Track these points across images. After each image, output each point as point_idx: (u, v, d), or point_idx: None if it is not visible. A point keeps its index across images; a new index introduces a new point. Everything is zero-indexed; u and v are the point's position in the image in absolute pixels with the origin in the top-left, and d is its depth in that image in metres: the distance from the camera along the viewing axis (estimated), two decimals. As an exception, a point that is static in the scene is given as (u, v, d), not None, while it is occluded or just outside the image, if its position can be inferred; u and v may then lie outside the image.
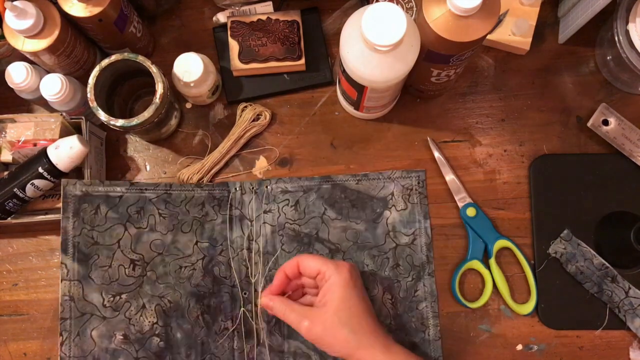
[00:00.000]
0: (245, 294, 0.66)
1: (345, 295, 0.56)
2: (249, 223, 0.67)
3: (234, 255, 0.66)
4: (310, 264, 0.59)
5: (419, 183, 0.68)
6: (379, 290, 0.66)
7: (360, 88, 0.60)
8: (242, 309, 0.65)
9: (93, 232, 0.64)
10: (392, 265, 0.66)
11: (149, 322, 0.64)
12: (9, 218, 0.66)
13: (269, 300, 0.59)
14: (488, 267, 0.66)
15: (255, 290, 0.66)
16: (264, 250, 0.67)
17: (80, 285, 0.63)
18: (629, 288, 0.64)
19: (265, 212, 0.68)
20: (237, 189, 0.68)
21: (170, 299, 0.65)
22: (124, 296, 0.64)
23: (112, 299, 0.64)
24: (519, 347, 0.66)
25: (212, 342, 0.64)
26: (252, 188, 0.68)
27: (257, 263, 0.66)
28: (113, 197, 0.65)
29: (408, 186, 0.68)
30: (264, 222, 0.67)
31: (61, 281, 0.63)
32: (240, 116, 0.70)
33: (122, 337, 0.63)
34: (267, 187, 0.68)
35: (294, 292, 0.61)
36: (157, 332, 0.64)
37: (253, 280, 0.66)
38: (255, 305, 0.65)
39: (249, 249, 0.67)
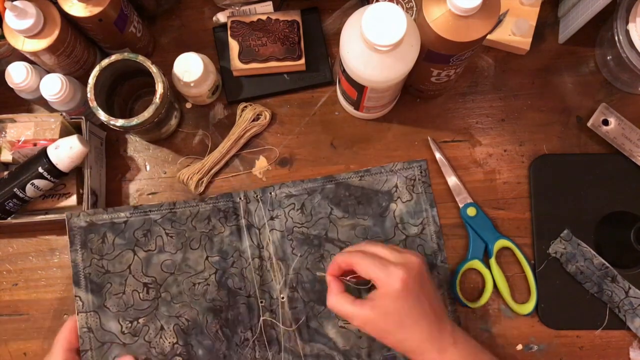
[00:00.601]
0: (262, 302, 0.65)
1: (397, 307, 0.53)
2: (257, 231, 0.67)
3: (246, 265, 0.66)
4: (363, 269, 0.55)
5: (421, 172, 0.68)
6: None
7: (360, 88, 0.60)
8: (261, 317, 0.64)
9: (103, 261, 0.64)
10: None
11: (169, 342, 0.63)
12: (9, 218, 0.66)
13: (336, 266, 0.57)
14: (488, 266, 0.66)
15: (272, 298, 0.65)
16: (275, 256, 0.66)
17: (97, 316, 0.63)
18: (629, 288, 0.64)
19: (272, 218, 0.67)
20: (241, 198, 0.67)
21: (188, 317, 0.64)
22: (141, 320, 0.63)
23: (129, 324, 0.63)
24: (519, 347, 0.66)
25: (234, 354, 0.64)
26: (256, 196, 0.68)
27: (269, 270, 0.66)
28: (118, 223, 0.65)
29: (411, 177, 0.68)
30: (272, 229, 0.67)
31: (77, 314, 0.63)
32: (240, 116, 0.70)
33: None
34: (271, 193, 0.68)
35: None
36: (178, 352, 0.63)
37: (277, 285, 0.65)
38: (273, 312, 0.65)
39: (260, 257, 0.66)
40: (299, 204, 0.68)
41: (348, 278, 0.58)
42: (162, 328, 0.63)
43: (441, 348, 0.54)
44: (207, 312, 0.64)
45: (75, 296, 0.63)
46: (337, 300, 0.56)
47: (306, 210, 0.67)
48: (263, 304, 0.65)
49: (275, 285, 0.66)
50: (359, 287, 0.59)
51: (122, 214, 0.65)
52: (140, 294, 0.64)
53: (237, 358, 0.63)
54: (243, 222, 0.67)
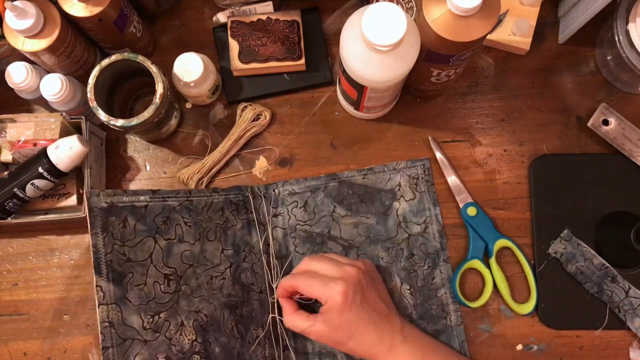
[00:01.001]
0: (273, 298, 0.65)
1: (342, 319, 0.57)
2: (263, 227, 0.67)
3: (256, 260, 0.65)
4: (307, 290, 0.59)
5: (424, 171, 0.68)
6: (396, 282, 0.66)
7: (360, 88, 0.60)
8: (270, 315, 0.64)
9: (124, 248, 0.60)
10: (406, 256, 0.66)
11: (189, 339, 0.61)
12: (9, 218, 0.66)
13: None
14: (488, 266, 0.66)
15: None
16: (278, 254, 0.66)
17: (118, 309, 0.58)
18: (629, 288, 0.64)
19: (275, 215, 0.67)
20: (249, 192, 0.67)
21: (206, 313, 0.62)
22: (162, 315, 0.60)
23: (151, 319, 0.59)
24: (519, 347, 0.66)
25: (247, 351, 0.63)
26: (260, 192, 0.68)
27: (275, 267, 0.66)
28: (139, 207, 0.61)
29: (414, 175, 0.68)
30: (275, 226, 0.67)
31: (98, 306, 0.58)
32: (240, 116, 0.70)
33: None
34: (274, 190, 0.68)
35: None
36: (197, 350, 0.61)
37: (274, 285, 0.65)
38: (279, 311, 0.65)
39: (267, 253, 0.66)
40: (302, 201, 0.68)
41: (297, 297, 0.62)
42: (182, 324, 0.61)
43: (391, 346, 0.58)
44: (224, 307, 0.63)
45: (96, 286, 0.58)
46: (293, 319, 0.60)
47: (309, 208, 0.67)
48: (273, 301, 0.65)
49: (272, 285, 0.65)
50: (307, 303, 0.62)
51: (142, 198, 0.61)
52: (162, 286, 0.61)
53: (248, 356, 0.63)
54: (253, 216, 0.66)
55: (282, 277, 0.66)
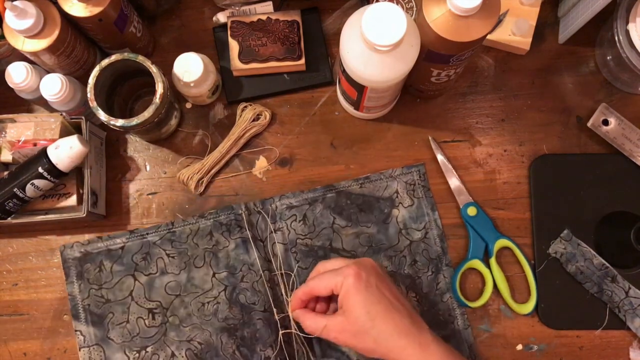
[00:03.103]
0: (279, 316, 0.63)
1: (359, 300, 0.53)
2: (262, 243, 0.66)
3: (256, 278, 0.64)
4: (321, 286, 0.56)
5: (420, 177, 0.68)
6: (402, 290, 0.65)
7: (360, 88, 0.60)
8: (280, 332, 0.62)
9: (102, 291, 0.62)
10: (410, 263, 0.66)
11: None
12: (9, 218, 0.66)
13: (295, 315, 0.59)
14: (488, 266, 0.66)
15: (283, 313, 0.63)
16: (281, 270, 0.65)
17: (100, 349, 0.61)
18: (629, 288, 0.64)
19: (274, 231, 0.66)
20: (243, 210, 0.66)
21: (200, 340, 0.62)
22: (149, 349, 0.61)
23: (137, 354, 0.61)
24: (519, 347, 0.66)
25: None
26: (256, 208, 0.67)
27: (278, 284, 0.64)
28: (114, 249, 0.63)
29: (410, 182, 0.68)
30: (275, 242, 0.66)
31: (79, 349, 0.61)
32: (240, 116, 0.70)
33: None
34: (271, 205, 0.67)
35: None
36: None
37: (288, 298, 0.63)
38: (286, 328, 0.63)
39: (269, 270, 0.65)
40: (301, 215, 0.67)
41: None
42: (173, 355, 0.61)
43: (422, 343, 0.53)
44: (221, 332, 0.62)
45: (76, 331, 0.61)
46: (312, 319, 0.57)
47: (308, 221, 0.67)
48: (280, 318, 0.63)
49: (285, 299, 0.64)
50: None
51: (119, 240, 0.64)
52: (146, 321, 0.62)
53: None
54: (248, 233, 0.65)
55: (289, 290, 0.65)
